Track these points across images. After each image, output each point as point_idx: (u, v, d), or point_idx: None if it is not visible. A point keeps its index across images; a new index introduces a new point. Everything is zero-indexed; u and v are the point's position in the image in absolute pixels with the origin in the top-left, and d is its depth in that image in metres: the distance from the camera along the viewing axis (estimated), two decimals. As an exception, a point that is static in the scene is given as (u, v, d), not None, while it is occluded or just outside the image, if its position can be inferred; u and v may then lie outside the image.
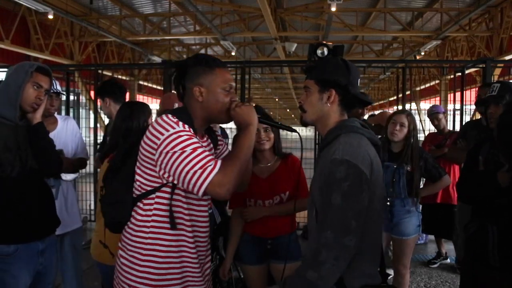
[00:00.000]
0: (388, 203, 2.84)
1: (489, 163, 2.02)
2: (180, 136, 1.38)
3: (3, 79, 1.90)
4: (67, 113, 5.57)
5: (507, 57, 9.28)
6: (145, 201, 1.49)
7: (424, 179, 3.13)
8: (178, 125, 1.40)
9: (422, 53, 11.11)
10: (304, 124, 1.57)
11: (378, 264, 1.47)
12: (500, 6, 9.40)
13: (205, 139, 1.61)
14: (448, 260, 4.35)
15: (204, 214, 1.59)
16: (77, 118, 7.89)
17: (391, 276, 3.11)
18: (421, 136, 3.90)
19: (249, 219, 2.29)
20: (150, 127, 1.44)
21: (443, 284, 3.81)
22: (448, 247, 4.44)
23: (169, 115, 1.43)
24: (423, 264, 4.32)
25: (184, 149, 1.36)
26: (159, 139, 1.39)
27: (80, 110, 9.06)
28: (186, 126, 1.42)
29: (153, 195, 1.48)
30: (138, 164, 1.50)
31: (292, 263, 2.33)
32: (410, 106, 9.15)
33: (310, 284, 1.31)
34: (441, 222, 4.06)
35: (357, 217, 1.31)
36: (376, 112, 5.73)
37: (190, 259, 1.53)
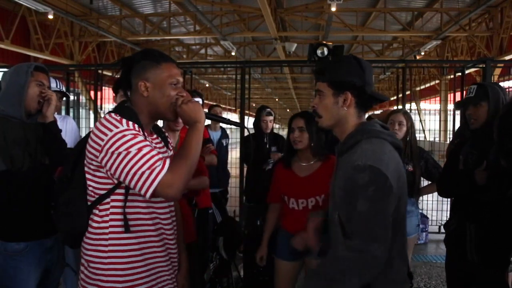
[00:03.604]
0: None
1: (469, 162, 2.04)
2: (125, 135, 1.31)
3: (2, 84, 1.91)
4: (67, 113, 5.56)
5: (507, 57, 9.30)
6: (101, 207, 1.40)
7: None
8: (121, 124, 1.33)
9: (422, 53, 11.12)
10: (321, 129, 1.52)
11: (407, 268, 1.41)
12: (500, 6, 9.41)
13: (154, 136, 1.54)
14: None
15: (166, 213, 1.50)
16: (77, 118, 7.88)
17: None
18: (421, 136, 3.90)
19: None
20: (94, 128, 1.37)
21: (443, 284, 3.81)
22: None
23: (112, 114, 1.37)
24: (423, 264, 4.32)
25: (129, 149, 1.30)
26: (102, 140, 1.33)
27: (80, 110, 9.04)
28: (130, 123, 1.35)
29: (108, 199, 1.39)
30: (86, 168, 1.41)
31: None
32: (410, 106, 9.15)
33: None
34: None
35: (384, 223, 1.25)
36: (376, 112, 5.73)
37: (159, 262, 1.46)
